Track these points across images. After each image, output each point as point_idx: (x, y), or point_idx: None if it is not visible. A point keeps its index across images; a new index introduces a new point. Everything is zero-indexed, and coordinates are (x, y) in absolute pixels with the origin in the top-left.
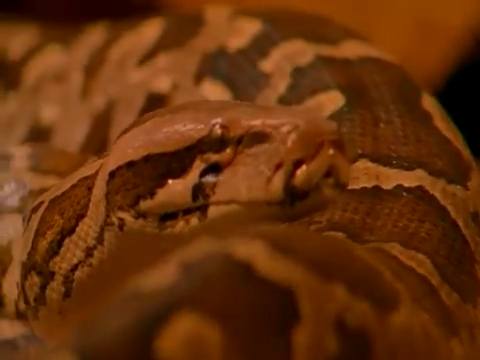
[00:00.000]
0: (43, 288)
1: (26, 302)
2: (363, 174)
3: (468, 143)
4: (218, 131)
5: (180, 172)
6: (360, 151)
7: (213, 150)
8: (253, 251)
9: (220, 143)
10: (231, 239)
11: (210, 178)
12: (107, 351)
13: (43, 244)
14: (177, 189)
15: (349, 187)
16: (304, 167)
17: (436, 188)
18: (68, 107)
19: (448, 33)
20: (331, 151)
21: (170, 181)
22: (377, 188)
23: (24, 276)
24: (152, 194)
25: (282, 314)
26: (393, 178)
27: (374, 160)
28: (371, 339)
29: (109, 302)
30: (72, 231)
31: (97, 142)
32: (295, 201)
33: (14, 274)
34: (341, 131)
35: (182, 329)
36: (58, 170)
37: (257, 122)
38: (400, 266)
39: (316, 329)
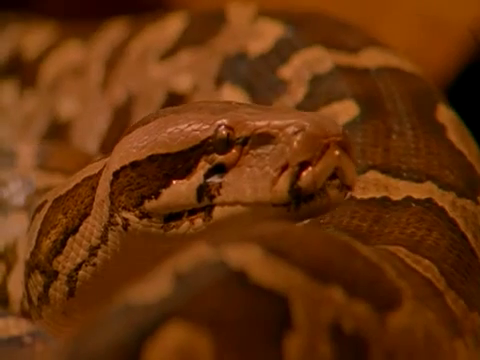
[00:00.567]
0: (46, 287)
1: (29, 301)
2: (372, 185)
3: (475, 141)
4: (223, 132)
5: (185, 172)
6: (370, 162)
7: (218, 151)
8: (248, 257)
9: (225, 144)
10: (226, 244)
11: (215, 179)
12: None
13: (47, 243)
14: (182, 189)
15: (358, 197)
16: (310, 169)
17: (445, 201)
18: (88, 101)
19: (454, 30)
20: (337, 153)
21: (175, 181)
22: (386, 199)
23: (27, 275)
24: (157, 194)
25: (275, 322)
26: (402, 190)
27: (384, 171)
28: (368, 342)
29: (100, 314)
30: (76, 230)
31: (118, 135)
32: (300, 203)
33: (20, 273)
34: (346, 132)
35: (172, 340)
36: (64, 168)
37: (263, 123)
38: (405, 266)
39: (309, 336)
